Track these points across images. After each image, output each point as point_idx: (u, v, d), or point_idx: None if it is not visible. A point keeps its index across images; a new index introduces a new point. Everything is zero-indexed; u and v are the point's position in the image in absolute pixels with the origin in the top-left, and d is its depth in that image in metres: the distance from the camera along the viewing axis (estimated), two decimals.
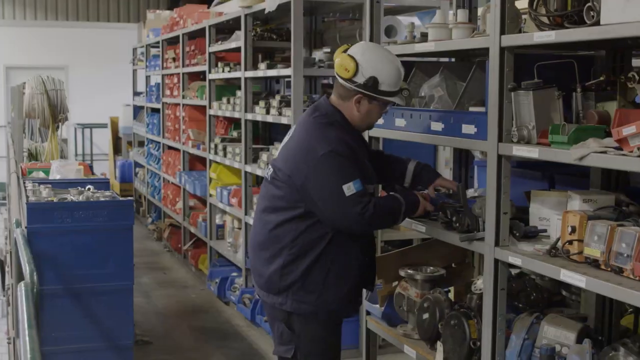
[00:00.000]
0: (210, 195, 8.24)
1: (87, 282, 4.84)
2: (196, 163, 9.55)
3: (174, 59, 9.92)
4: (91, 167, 6.96)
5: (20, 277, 4.55)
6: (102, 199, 4.95)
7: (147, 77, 11.92)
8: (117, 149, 15.00)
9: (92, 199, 4.98)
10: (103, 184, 5.79)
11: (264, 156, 6.74)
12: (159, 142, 10.85)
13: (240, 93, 7.35)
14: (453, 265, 4.68)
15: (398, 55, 4.01)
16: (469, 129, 3.71)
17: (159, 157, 10.82)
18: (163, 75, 10.60)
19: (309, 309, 3.83)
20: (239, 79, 7.33)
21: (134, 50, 13.26)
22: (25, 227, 4.65)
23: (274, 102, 6.53)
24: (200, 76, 9.41)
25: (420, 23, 7.57)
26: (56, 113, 7.46)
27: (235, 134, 8.19)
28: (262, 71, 6.80)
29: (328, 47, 6.80)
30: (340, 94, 3.85)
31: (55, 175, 6.07)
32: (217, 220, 8.38)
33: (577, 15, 3.15)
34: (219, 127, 8.64)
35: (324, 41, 7.24)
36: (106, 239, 4.85)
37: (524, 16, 3.53)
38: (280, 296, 3.85)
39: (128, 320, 4.97)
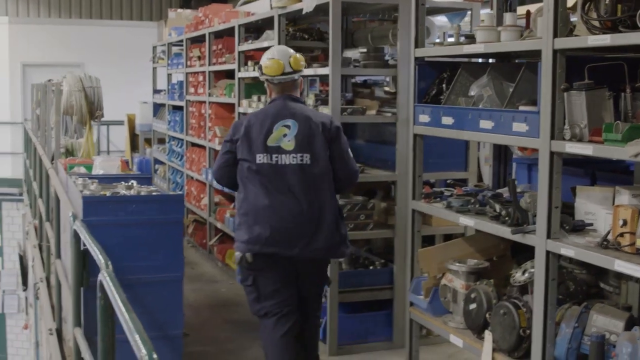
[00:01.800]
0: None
1: (139, 273, 4.99)
2: None
3: (199, 58, 10.08)
4: (128, 163, 7.12)
5: (79, 268, 4.72)
6: (154, 193, 5.12)
7: (169, 75, 12.08)
8: (133, 146, 15.16)
9: (142, 194, 5.15)
10: (145, 179, 5.96)
11: None
12: (182, 140, 11.01)
13: None
14: (494, 258, 4.86)
15: (445, 57, 4.19)
16: (520, 127, 3.88)
17: (182, 154, 10.98)
18: (187, 73, 10.76)
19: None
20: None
21: (154, 48, 13.42)
22: (80, 220, 4.80)
23: (309, 100, 6.68)
24: (225, 74, 9.57)
25: (450, 24, 7.73)
26: (93, 110, 7.64)
27: None
28: None
29: (363, 47, 6.97)
30: (290, 87, 5.02)
31: (98, 171, 6.24)
32: None
33: (629, 20, 3.33)
34: None
35: (355, 41, 7.39)
36: (157, 231, 5.00)
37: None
38: (339, 249, 4.92)
39: (178, 310, 5.12)
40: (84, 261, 4.71)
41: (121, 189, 5.28)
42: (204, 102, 9.81)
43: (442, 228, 6.42)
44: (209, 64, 9.61)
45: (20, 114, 17.09)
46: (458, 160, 6.54)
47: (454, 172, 6.47)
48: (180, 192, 5.37)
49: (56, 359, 6.20)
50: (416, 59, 4.92)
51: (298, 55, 5.06)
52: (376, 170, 6.58)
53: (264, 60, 5.03)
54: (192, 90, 10.54)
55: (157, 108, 13.31)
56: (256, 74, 7.92)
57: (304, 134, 4.80)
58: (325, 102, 6.49)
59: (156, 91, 13.29)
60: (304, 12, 6.58)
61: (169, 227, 5.02)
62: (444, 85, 4.86)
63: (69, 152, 8.17)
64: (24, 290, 14.97)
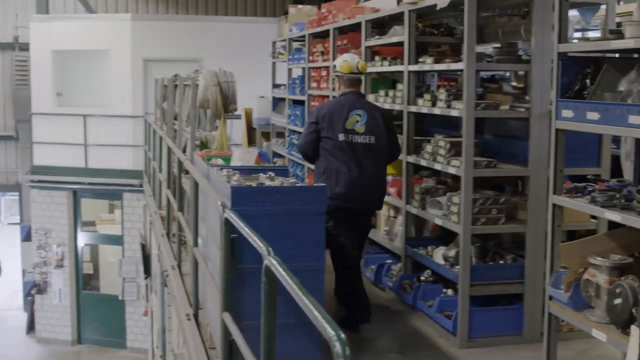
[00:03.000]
0: None
1: (283, 262, 5.13)
2: None
3: (323, 53, 10.24)
4: (262, 155, 7.32)
5: (228, 256, 4.92)
6: (298, 185, 5.28)
7: (289, 70, 12.29)
8: (250, 140, 15.46)
9: (284, 185, 5.31)
10: (282, 171, 6.13)
11: (428, 147, 6.99)
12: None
13: (401, 86, 7.59)
14: (636, 254, 4.83)
15: (591, 52, 4.20)
16: None
17: None
18: (309, 68, 10.94)
19: None
20: (395, 72, 7.59)
21: (274, 43, 13.67)
22: (231, 209, 4.98)
23: (441, 95, 6.75)
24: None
25: (581, 18, 7.67)
26: (227, 104, 7.87)
27: None
28: (429, 65, 7.03)
29: (493, 42, 6.99)
30: (356, 84, 6.90)
31: (236, 162, 6.45)
32: None
33: None
34: None
35: (484, 36, 7.41)
36: (301, 221, 5.13)
37: None
38: (380, 205, 6.95)
39: (319, 298, 5.23)
40: (232, 249, 4.91)
41: (264, 180, 5.45)
42: (327, 96, 9.97)
43: (572, 224, 6.41)
44: (333, 59, 9.75)
45: (141, 107, 17.62)
46: (591, 156, 6.50)
47: (586, 167, 6.43)
48: (323, 184, 5.48)
49: (193, 343, 6.44)
50: (559, 54, 4.92)
51: (364, 61, 7.03)
52: (507, 165, 6.60)
53: (339, 61, 6.94)
54: (314, 84, 10.72)
55: (277, 102, 13.56)
56: (383, 69, 8.11)
57: (370, 121, 6.65)
58: (457, 97, 6.55)
59: (275, 86, 13.54)
60: (437, 8, 6.65)
61: (312, 217, 5.15)
62: (587, 81, 4.86)
63: (204, 145, 8.44)
64: (146, 278, 15.47)
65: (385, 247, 8.19)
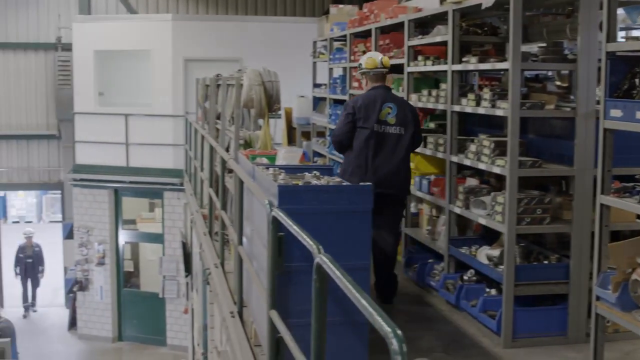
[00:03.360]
0: None
1: None
2: None
3: (364, 52, 10.24)
4: (305, 154, 7.36)
5: (275, 254, 4.96)
6: (345, 184, 5.31)
7: (330, 70, 12.33)
8: (290, 139, 15.50)
9: (330, 184, 5.34)
10: (327, 170, 6.16)
11: (472, 147, 6.98)
12: None
13: (444, 85, 7.60)
14: None
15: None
16: None
17: None
18: (350, 68, 10.97)
19: None
20: (438, 72, 7.59)
21: (314, 43, 13.71)
22: (278, 208, 5.02)
23: (486, 95, 6.74)
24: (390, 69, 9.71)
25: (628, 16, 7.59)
26: (271, 103, 7.93)
27: (431, 125, 8.46)
28: (473, 65, 7.03)
29: (538, 41, 6.97)
30: (381, 78, 7.33)
31: (281, 162, 6.49)
32: (412, 208, 8.67)
33: None
34: None
35: (528, 35, 7.39)
36: (347, 220, 5.15)
37: None
38: (407, 190, 7.32)
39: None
40: (279, 247, 4.95)
41: (310, 179, 5.48)
42: None
43: (617, 225, 6.35)
44: None
45: (182, 107, 17.75)
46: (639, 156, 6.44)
47: (634, 167, 6.32)
48: (369, 184, 5.49)
49: (237, 340, 6.50)
50: (607, 53, 4.90)
51: (386, 57, 7.43)
52: (552, 165, 6.58)
53: (364, 59, 7.40)
54: (355, 84, 10.74)
55: (317, 102, 13.59)
56: (426, 68, 8.12)
57: (400, 114, 7.15)
58: (502, 97, 6.54)
59: (316, 85, 13.58)
60: (483, 7, 6.64)
61: (358, 216, 5.17)
62: (636, 80, 4.83)
63: (247, 144, 8.50)
64: (186, 276, 15.59)
65: (427, 247, 8.19)
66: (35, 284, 21.97)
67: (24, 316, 21.21)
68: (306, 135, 14.30)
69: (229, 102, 8.95)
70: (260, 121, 8.80)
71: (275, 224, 4.88)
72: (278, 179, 5.54)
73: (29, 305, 21.66)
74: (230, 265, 8.49)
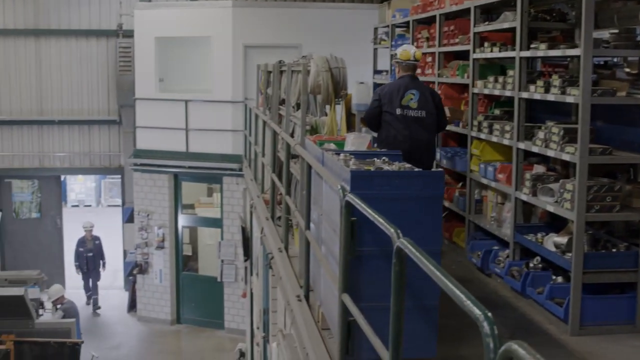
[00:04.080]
0: (471, 171, 8.53)
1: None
2: (448, 140, 9.87)
3: (428, 39, 10.25)
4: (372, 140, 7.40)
5: (348, 238, 5.02)
6: (417, 170, 5.34)
7: (392, 56, 12.31)
8: (349, 125, 15.51)
9: (404, 169, 5.37)
10: (395, 156, 6.18)
11: (540, 134, 6.96)
12: None
13: (512, 72, 7.57)
14: None
15: None
16: None
17: None
18: None
19: None
20: (504, 58, 7.55)
21: (375, 30, 13.72)
22: (352, 193, 5.07)
23: (555, 81, 6.71)
24: (454, 55, 9.70)
25: None
26: (338, 89, 7.98)
27: (497, 111, 8.44)
28: (542, 51, 6.99)
29: (608, 28, 6.91)
30: (412, 68, 8.16)
31: (349, 147, 6.54)
32: (475, 195, 8.67)
33: None
34: (479, 105, 8.90)
35: (598, 22, 7.31)
36: (419, 206, 5.18)
37: None
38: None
39: (435, 282, 5.26)
40: (352, 232, 5.00)
41: (380, 165, 5.52)
42: (432, 82, 9.98)
43: None
44: (439, 45, 9.76)
45: (241, 93, 17.89)
46: None
47: None
48: (441, 169, 5.52)
49: (304, 323, 6.57)
50: None
51: (419, 52, 8.24)
52: (621, 152, 6.53)
53: (399, 50, 8.26)
54: (418, 71, 10.72)
55: (377, 88, 13.57)
56: (493, 55, 8.10)
57: (422, 99, 7.94)
58: (572, 84, 6.51)
59: (377, 72, 13.59)
60: None
61: (430, 202, 5.20)
62: None
63: (313, 130, 8.56)
64: (245, 260, 15.75)
65: (491, 234, 8.19)
66: (96, 278, 21.05)
67: (95, 309, 20.56)
68: (365, 122, 14.29)
69: (294, 88, 9.01)
70: (327, 107, 8.86)
71: (349, 208, 4.93)
72: (349, 164, 5.59)
73: (91, 297, 20.81)
74: (293, 249, 8.58)
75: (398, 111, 7.96)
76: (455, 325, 6.64)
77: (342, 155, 5.86)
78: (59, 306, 14.87)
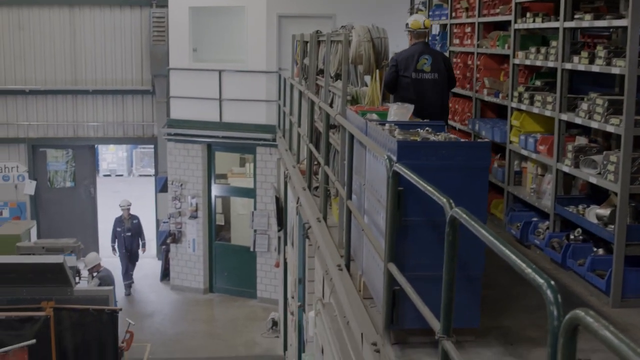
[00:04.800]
0: (511, 142, 8.50)
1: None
2: (487, 111, 9.83)
3: (467, 9, 10.19)
4: None
5: (395, 208, 5.05)
6: (463, 140, 5.35)
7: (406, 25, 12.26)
8: (384, 96, 15.47)
9: (449, 140, 5.38)
10: (439, 127, 6.19)
11: (583, 105, 6.92)
12: None
13: (555, 43, 7.51)
14: None
15: None
16: None
17: None
18: (450, 25, 10.91)
19: None
20: (545, 29, 7.48)
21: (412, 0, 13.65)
22: (400, 163, 5.09)
23: (600, 53, 6.66)
24: (493, 26, 9.65)
25: None
26: (379, 60, 7.98)
27: (537, 82, 8.39)
28: (588, 22, 6.93)
29: None
30: (423, 35, 8.93)
31: (392, 118, 6.55)
32: (515, 166, 8.65)
33: None
34: (519, 76, 8.85)
35: None
36: (465, 176, 5.18)
37: None
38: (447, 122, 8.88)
39: (479, 252, 5.28)
40: (398, 201, 5.03)
41: (426, 135, 5.53)
42: (472, 53, 9.93)
43: None
44: (479, 15, 9.70)
45: (275, 63, 17.89)
46: None
47: None
48: (487, 140, 5.51)
49: (345, 292, 6.61)
50: None
51: (428, 20, 9.12)
52: None
53: (410, 20, 8.98)
54: (456, 41, 10.69)
55: None
56: (536, 25, 8.04)
57: (434, 63, 8.75)
58: (617, 55, 6.45)
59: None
60: None
61: (476, 172, 5.20)
62: None
63: (354, 100, 8.58)
64: (279, 230, 15.84)
65: (531, 205, 8.17)
66: (134, 259, 20.20)
67: (126, 294, 19.71)
68: None
69: (333, 59, 9.01)
70: (367, 78, 8.89)
71: (395, 178, 4.96)
72: (395, 134, 5.60)
73: (130, 285, 20.02)
74: (331, 219, 8.63)
75: (413, 75, 8.72)
76: (498, 296, 6.68)
77: (387, 126, 5.87)
78: (95, 274, 15.05)
